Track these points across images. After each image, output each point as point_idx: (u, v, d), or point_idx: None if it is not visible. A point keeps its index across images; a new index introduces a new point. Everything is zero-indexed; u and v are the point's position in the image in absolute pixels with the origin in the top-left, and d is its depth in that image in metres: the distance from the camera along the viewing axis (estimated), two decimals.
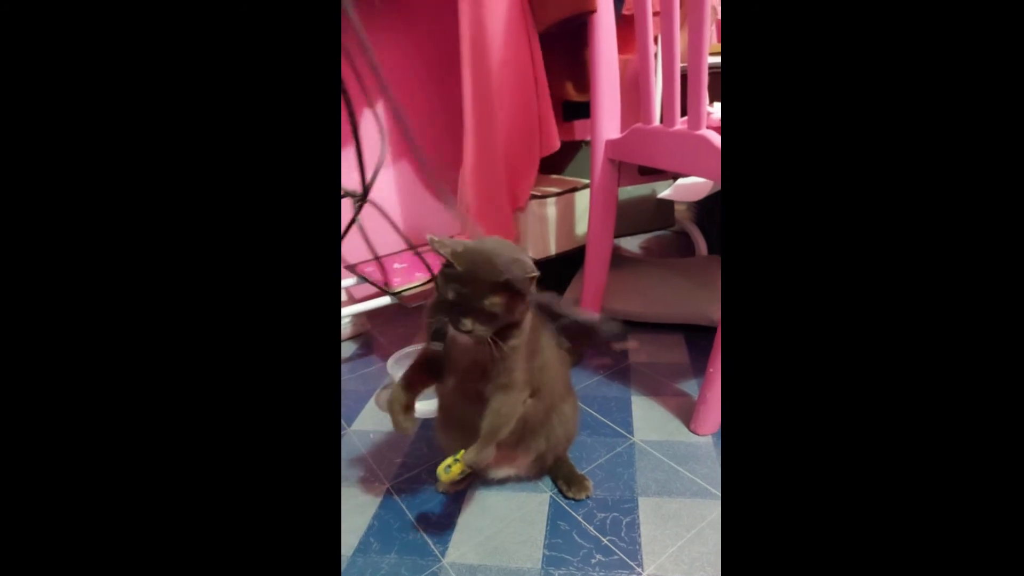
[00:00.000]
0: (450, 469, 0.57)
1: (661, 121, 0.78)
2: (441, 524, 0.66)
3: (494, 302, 0.54)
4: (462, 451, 0.57)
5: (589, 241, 0.98)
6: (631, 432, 0.80)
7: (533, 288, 0.55)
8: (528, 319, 0.59)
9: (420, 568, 0.60)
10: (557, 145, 0.99)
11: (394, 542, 0.63)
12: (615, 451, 0.76)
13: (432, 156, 1.28)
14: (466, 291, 0.54)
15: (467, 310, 0.54)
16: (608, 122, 0.87)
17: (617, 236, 1.08)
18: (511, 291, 0.54)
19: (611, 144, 0.88)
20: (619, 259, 1.29)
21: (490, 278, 0.53)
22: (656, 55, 0.79)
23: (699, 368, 0.95)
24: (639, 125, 0.82)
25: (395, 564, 0.61)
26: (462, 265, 0.54)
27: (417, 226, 1.32)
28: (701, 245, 1.41)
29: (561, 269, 1.20)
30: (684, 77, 0.70)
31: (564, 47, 1.00)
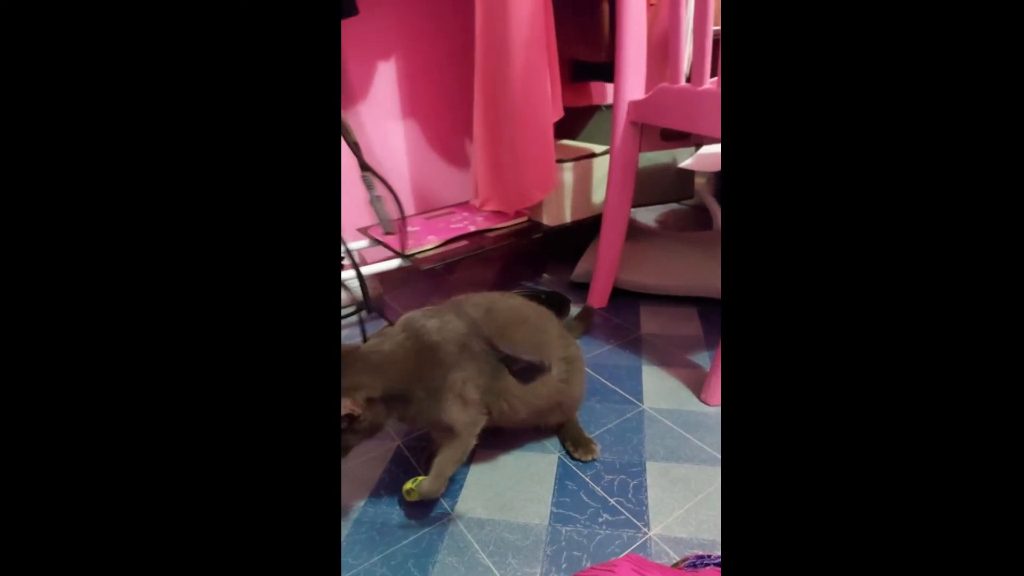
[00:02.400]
0: (410, 493, 0.59)
1: (688, 80, 0.76)
2: (451, 479, 0.67)
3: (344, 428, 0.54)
4: (421, 478, 0.59)
5: (606, 208, 0.97)
6: (641, 400, 0.80)
7: (354, 419, 0.54)
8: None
9: (430, 520, 0.61)
10: (560, 113, 0.96)
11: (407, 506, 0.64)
12: (624, 417, 0.76)
13: (443, 122, 1.26)
14: None
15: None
16: (633, 81, 0.85)
17: (634, 206, 1.06)
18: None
19: (634, 105, 0.85)
20: (634, 230, 1.27)
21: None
22: (688, 9, 0.75)
23: (711, 340, 0.94)
24: (665, 84, 0.79)
25: (405, 515, 0.62)
26: None
27: (428, 188, 1.30)
28: (719, 219, 1.38)
29: (575, 238, 1.19)
30: (716, 37, 0.68)
31: (578, 1, 0.96)
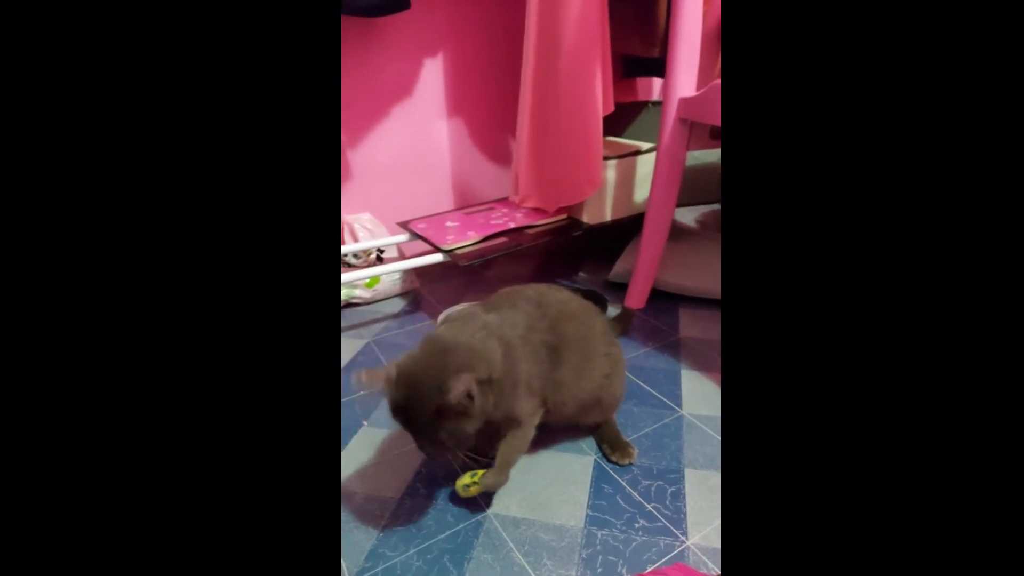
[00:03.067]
0: (468, 488, 0.58)
1: None
2: None
3: (442, 429, 0.51)
4: (480, 471, 0.59)
5: (650, 207, 0.95)
6: (679, 405, 0.78)
7: (472, 400, 0.50)
8: (501, 370, 0.54)
9: (465, 516, 0.61)
10: (611, 108, 0.94)
11: (440, 491, 0.65)
12: (662, 422, 0.75)
13: (486, 118, 1.25)
14: (412, 421, 0.52)
15: (424, 438, 0.53)
16: (685, 78, 0.82)
17: (678, 206, 1.04)
18: (453, 412, 0.50)
19: (685, 102, 0.83)
20: (674, 231, 1.24)
21: (427, 407, 0.50)
22: None
23: None
24: (717, 81, 0.76)
25: (441, 510, 0.62)
26: (398, 394, 0.52)
27: (468, 184, 1.30)
28: None
29: (614, 237, 1.17)
30: None
31: None
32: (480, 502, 0.63)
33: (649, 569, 0.54)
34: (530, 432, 0.61)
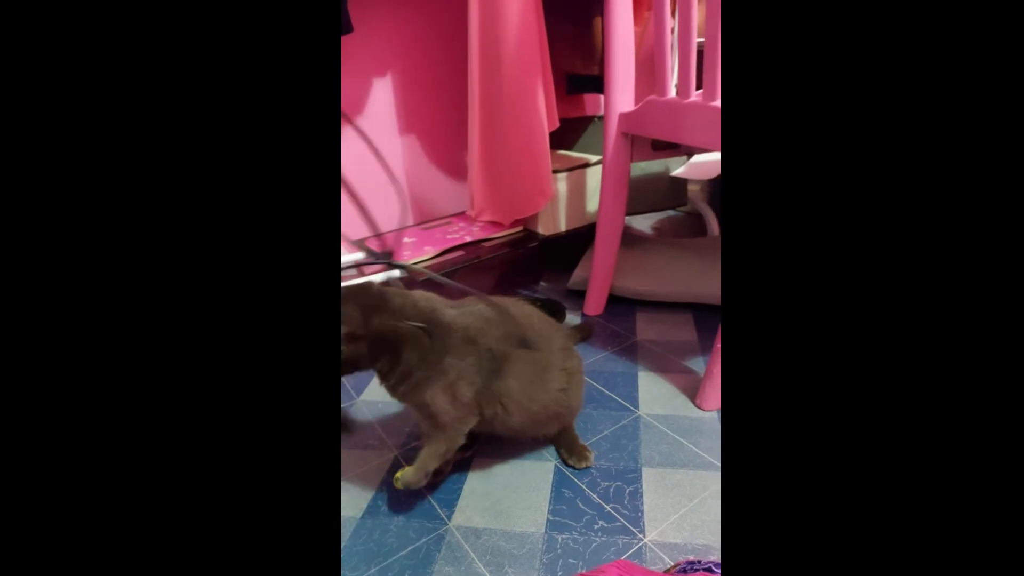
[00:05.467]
0: (397, 480, 0.61)
1: (676, 93, 0.77)
2: (447, 489, 0.67)
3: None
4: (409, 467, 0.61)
5: (600, 217, 0.98)
6: (636, 406, 0.81)
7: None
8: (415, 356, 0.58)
9: (427, 530, 0.61)
10: (556, 123, 0.97)
11: (402, 506, 0.65)
12: (620, 424, 0.77)
13: (439, 134, 1.27)
14: None
15: None
16: (622, 94, 0.86)
17: (629, 214, 1.07)
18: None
19: (624, 117, 0.87)
20: (629, 238, 1.28)
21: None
22: (673, 25, 0.77)
23: (707, 346, 0.95)
24: (653, 97, 0.80)
25: (403, 526, 0.62)
26: None
27: (425, 199, 1.32)
28: (713, 225, 1.39)
29: (571, 247, 1.20)
30: (700, 49, 0.69)
31: (572, 16, 0.97)
32: (441, 515, 0.63)
33: None
34: (454, 439, 0.61)
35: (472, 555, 0.58)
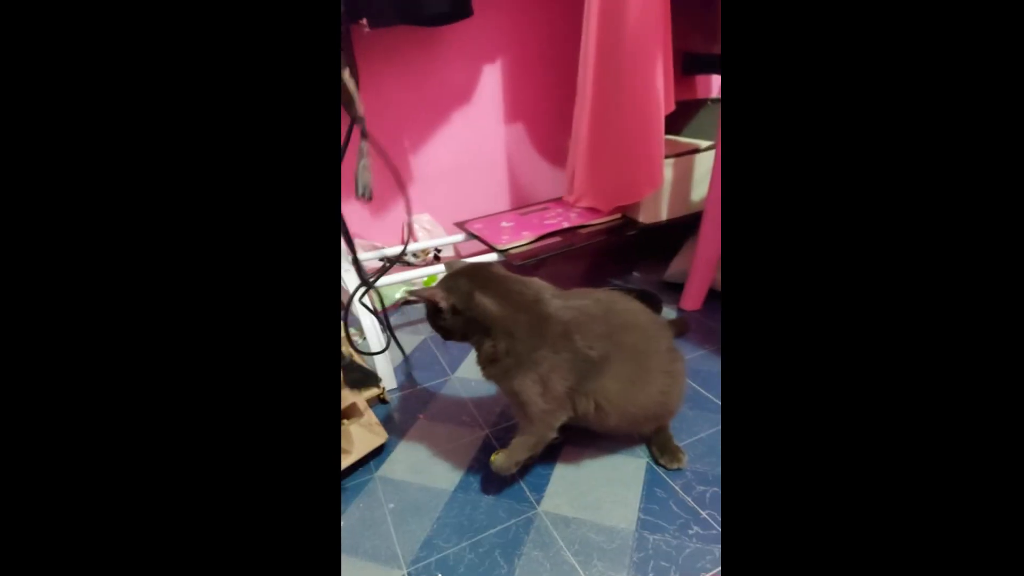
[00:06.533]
0: (492, 462, 0.63)
1: None
2: (537, 474, 0.68)
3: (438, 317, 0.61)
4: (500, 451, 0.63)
5: (709, 206, 0.92)
6: None
7: (441, 310, 0.59)
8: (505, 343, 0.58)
9: (516, 512, 0.62)
10: (672, 106, 0.92)
11: (491, 485, 0.66)
12: (718, 427, 0.73)
13: (541, 120, 1.26)
14: None
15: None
16: None
17: None
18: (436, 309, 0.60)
19: None
20: None
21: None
22: None
23: None
24: None
25: (493, 505, 0.64)
26: None
27: (523, 184, 1.32)
28: None
29: (668, 237, 1.14)
30: None
31: None
32: (530, 498, 0.64)
33: None
34: (544, 432, 0.61)
35: (560, 542, 0.58)
